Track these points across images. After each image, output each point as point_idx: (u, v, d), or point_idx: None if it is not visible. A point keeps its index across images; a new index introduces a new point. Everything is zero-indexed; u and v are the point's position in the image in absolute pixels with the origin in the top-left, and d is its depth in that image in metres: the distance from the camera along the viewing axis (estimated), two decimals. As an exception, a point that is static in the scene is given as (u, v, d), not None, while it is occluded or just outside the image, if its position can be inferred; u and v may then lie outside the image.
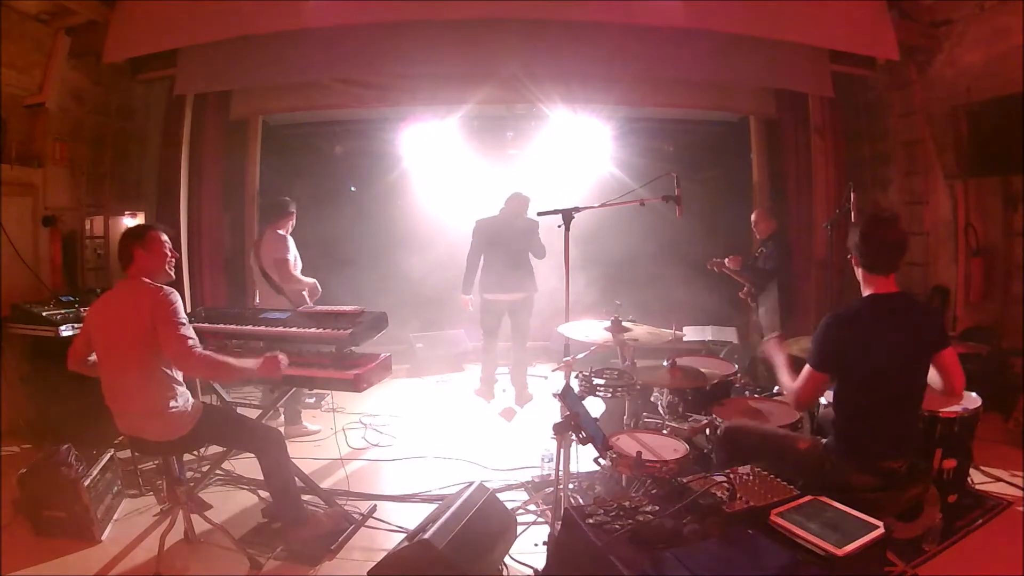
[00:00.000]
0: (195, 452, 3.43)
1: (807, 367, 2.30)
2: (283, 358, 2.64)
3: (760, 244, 4.94)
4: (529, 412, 4.71)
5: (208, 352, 2.49)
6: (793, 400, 2.40)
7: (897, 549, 2.51)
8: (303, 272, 4.27)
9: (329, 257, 5.43)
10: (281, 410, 4.04)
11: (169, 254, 2.62)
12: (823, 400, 2.92)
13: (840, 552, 1.66)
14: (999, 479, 3.27)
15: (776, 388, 3.44)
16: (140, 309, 2.44)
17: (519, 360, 4.95)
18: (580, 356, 3.06)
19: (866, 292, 2.29)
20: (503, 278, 4.72)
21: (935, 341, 2.24)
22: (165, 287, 2.50)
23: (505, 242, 4.70)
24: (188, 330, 2.46)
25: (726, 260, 4.77)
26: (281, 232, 4.19)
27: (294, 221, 4.29)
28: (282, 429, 4.08)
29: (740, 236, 5.50)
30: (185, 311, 2.52)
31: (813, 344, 2.29)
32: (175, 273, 2.68)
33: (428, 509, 2.70)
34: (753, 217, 4.96)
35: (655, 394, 3.21)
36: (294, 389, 3.59)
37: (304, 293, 4.17)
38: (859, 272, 2.32)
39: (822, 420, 2.78)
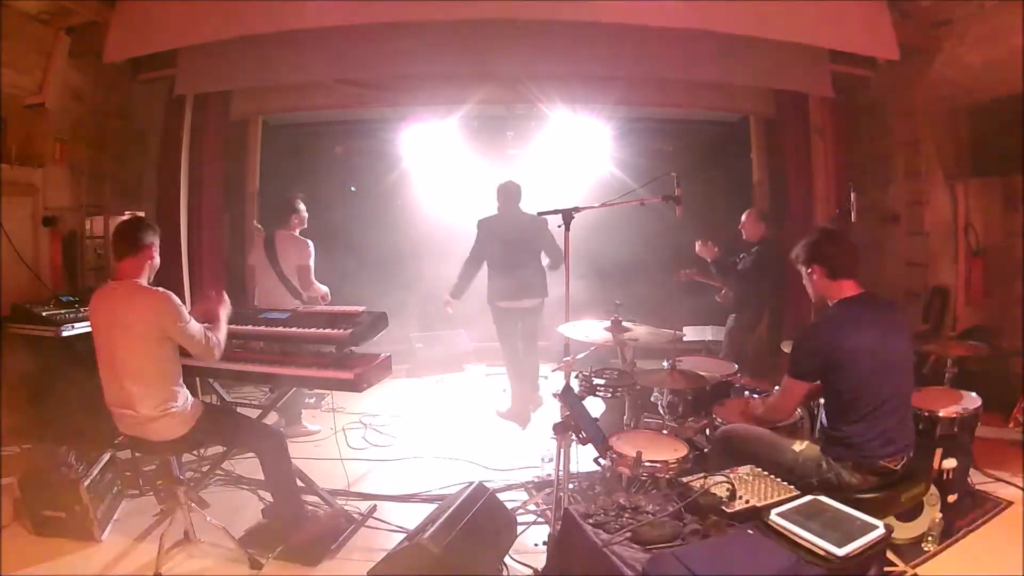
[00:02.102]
0: (195, 452, 3.43)
1: (787, 379, 2.35)
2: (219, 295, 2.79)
3: (744, 248, 4.73)
4: (539, 415, 4.60)
5: (218, 336, 2.59)
6: (777, 413, 2.46)
7: (897, 549, 2.51)
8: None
9: (329, 257, 5.42)
10: (280, 410, 4.05)
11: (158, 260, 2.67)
12: (822, 400, 2.92)
13: (840, 552, 1.66)
14: (999, 479, 3.27)
15: (776, 388, 3.43)
16: (146, 315, 2.44)
17: (531, 364, 4.77)
18: (580, 356, 3.05)
19: (835, 299, 2.35)
20: (513, 283, 4.41)
21: (908, 334, 2.33)
22: (165, 292, 2.50)
23: (511, 242, 4.41)
24: (196, 325, 2.51)
25: (698, 245, 4.60)
26: (297, 234, 4.18)
27: (304, 224, 4.28)
28: (281, 429, 4.09)
29: (740, 236, 5.51)
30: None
31: (795, 355, 2.34)
32: (176, 273, 2.70)
33: (428, 509, 2.70)
34: (743, 218, 4.75)
35: (655, 394, 3.21)
36: (294, 389, 3.59)
37: (319, 299, 4.18)
38: (822, 283, 2.36)
39: (823, 420, 2.78)
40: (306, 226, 4.31)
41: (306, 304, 4.12)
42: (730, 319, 4.69)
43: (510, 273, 4.41)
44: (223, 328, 2.69)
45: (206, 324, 2.61)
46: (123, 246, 2.56)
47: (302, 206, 4.26)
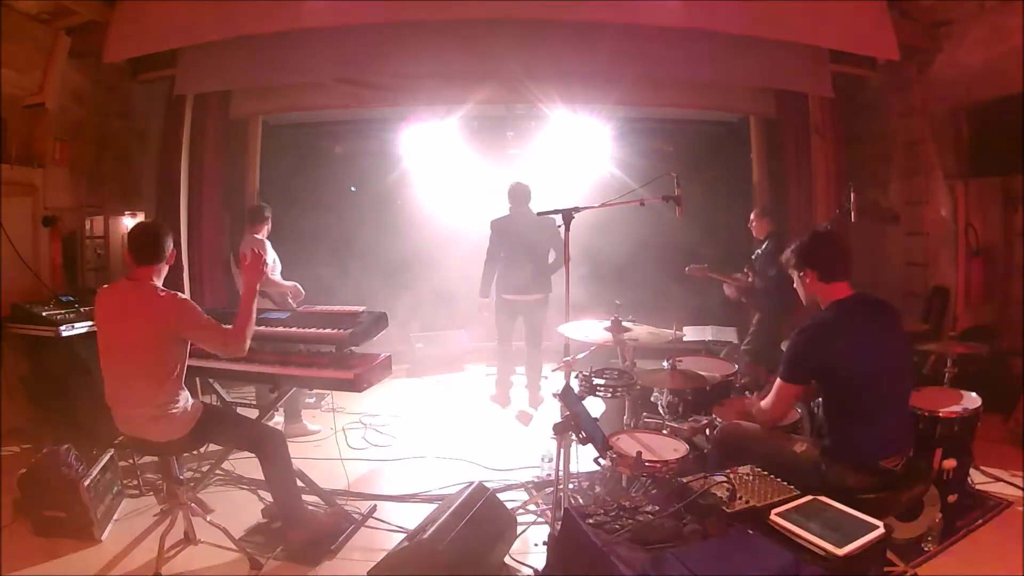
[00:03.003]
0: (195, 452, 3.43)
1: (779, 381, 2.34)
2: (255, 252, 2.67)
3: (757, 244, 4.82)
4: (543, 414, 4.62)
5: (235, 326, 2.53)
6: (768, 416, 2.44)
7: (897, 549, 2.51)
8: (285, 275, 4.33)
9: (329, 257, 5.43)
10: (281, 409, 4.06)
11: None
12: (820, 400, 2.92)
13: (840, 552, 1.66)
14: (999, 479, 3.27)
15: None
16: (158, 318, 2.43)
17: (533, 362, 4.86)
18: (580, 356, 3.06)
19: (828, 301, 2.33)
20: (519, 278, 4.58)
21: (902, 333, 2.34)
22: (178, 294, 2.50)
23: (520, 240, 4.57)
24: (211, 321, 2.50)
25: (726, 289, 4.65)
26: (258, 237, 4.23)
27: (270, 225, 4.34)
28: (281, 428, 4.09)
29: (740, 236, 5.50)
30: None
31: (786, 359, 2.32)
32: (176, 274, 2.69)
33: (428, 509, 2.70)
34: (751, 217, 4.82)
35: (655, 394, 3.21)
36: (294, 388, 3.59)
37: (288, 296, 4.21)
38: (815, 286, 2.35)
39: (822, 421, 2.78)
40: (269, 231, 4.36)
41: (273, 301, 4.17)
42: (755, 319, 4.70)
43: (518, 269, 4.58)
44: (244, 315, 2.55)
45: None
46: (147, 254, 2.52)
47: (267, 212, 4.33)
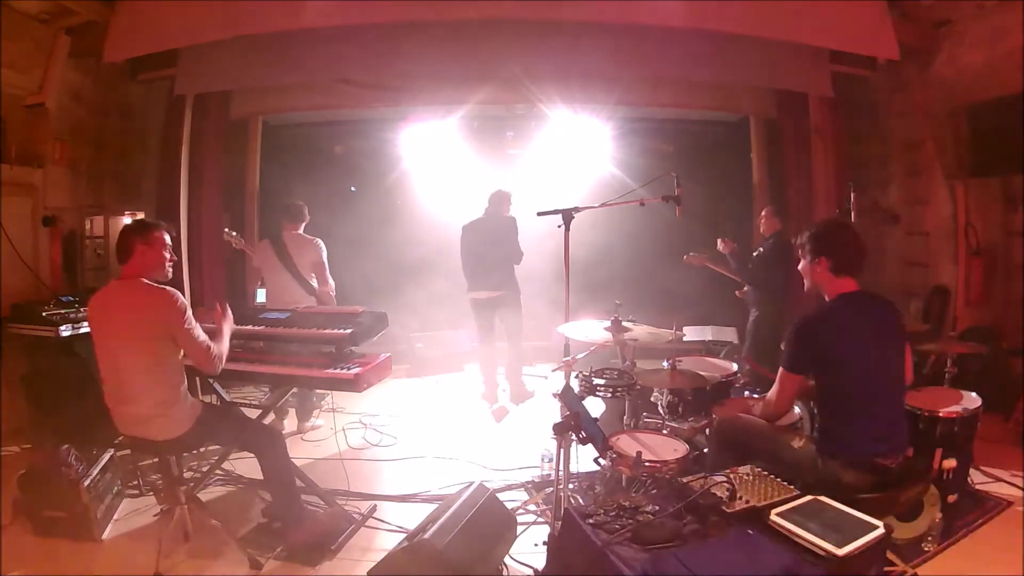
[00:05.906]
0: (194, 451, 3.43)
1: (780, 371, 2.34)
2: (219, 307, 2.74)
3: (760, 243, 4.87)
4: (525, 410, 4.73)
5: (220, 347, 2.55)
6: (772, 408, 2.44)
7: (897, 549, 2.51)
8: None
9: (329, 257, 5.42)
10: (292, 409, 4.13)
11: (169, 255, 2.62)
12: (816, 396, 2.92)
13: (840, 552, 1.66)
14: (999, 479, 3.27)
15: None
16: (148, 312, 2.43)
17: (513, 358, 4.95)
18: (580, 356, 3.06)
19: (832, 293, 2.32)
20: (481, 276, 4.76)
21: (902, 333, 2.33)
22: (171, 290, 2.48)
23: (482, 241, 4.75)
24: (200, 331, 2.49)
25: (719, 242, 4.67)
26: (298, 232, 4.23)
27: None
28: (287, 425, 4.11)
29: (740, 236, 5.51)
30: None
31: (787, 347, 2.32)
32: (176, 274, 2.69)
33: (428, 509, 2.70)
34: (762, 213, 4.81)
35: (655, 394, 3.20)
36: (296, 388, 3.59)
37: (332, 295, 4.26)
38: (824, 276, 2.33)
39: (817, 416, 2.78)
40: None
41: (319, 299, 4.20)
42: (751, 314, 4.69)
43: (478, 267, 4.75)
44: (225, 341, 2.64)
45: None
46: (118, 254, 2.57)
47: (307, 210, 4.37)
